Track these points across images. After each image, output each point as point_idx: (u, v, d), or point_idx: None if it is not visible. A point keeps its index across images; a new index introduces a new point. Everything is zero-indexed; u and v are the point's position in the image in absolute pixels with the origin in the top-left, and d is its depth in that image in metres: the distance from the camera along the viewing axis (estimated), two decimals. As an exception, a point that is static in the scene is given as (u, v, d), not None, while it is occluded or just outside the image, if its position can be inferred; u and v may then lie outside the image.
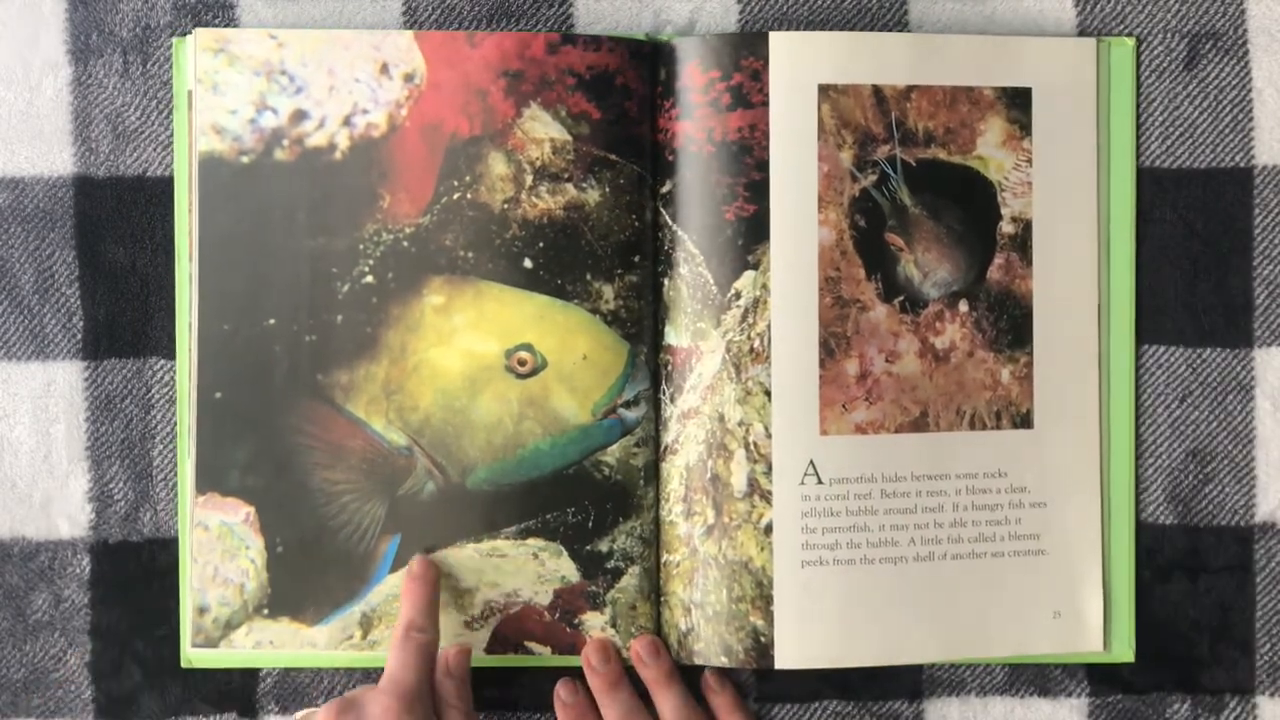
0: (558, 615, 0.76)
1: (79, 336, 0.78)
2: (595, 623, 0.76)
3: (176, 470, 0.78)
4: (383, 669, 0.71)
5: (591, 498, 0.75)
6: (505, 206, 0.75)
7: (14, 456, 0.78)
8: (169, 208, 0.78)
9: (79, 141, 0.78)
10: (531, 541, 0.75)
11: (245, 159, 0.75)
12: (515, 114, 0.75)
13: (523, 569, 0.75)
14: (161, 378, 0.78)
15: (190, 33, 0.76)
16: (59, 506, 0.78)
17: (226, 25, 0.77)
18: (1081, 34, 0.78)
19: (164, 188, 0.78)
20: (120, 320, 0.78)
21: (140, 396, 0.78)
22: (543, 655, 0.76)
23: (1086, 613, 0.77)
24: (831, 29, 0.78)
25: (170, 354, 0.78)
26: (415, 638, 0.72)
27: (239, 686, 0.78)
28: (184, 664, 0.77)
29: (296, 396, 0.75)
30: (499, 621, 0.76)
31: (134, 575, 0.78)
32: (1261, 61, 0.78)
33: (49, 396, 0.78)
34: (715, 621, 0.75)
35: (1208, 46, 0.78)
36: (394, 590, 0.75)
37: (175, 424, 0.78)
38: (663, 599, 0.76)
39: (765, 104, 0.75)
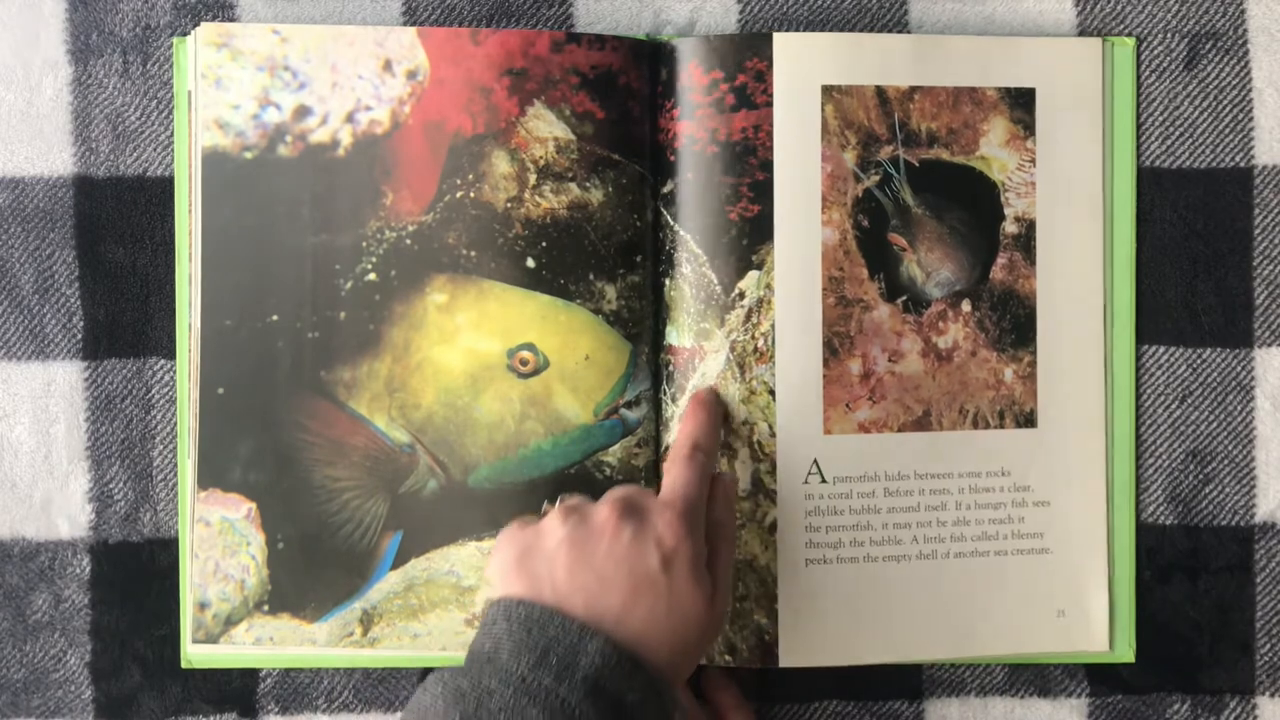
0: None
1: (79, 336, 0.78)
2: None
3: (177, 470, 0.77)
4: (383, 669, 0.71)
5: (593, 497, 0.75)
6: (508, 205, 0.75)
7: (14, 456, 0.78)
8: (169, 207, 0.77)
9: (79, 141, 0.78)
10: (534, 540, 0.75)
11: (248, 154, 0.74)
12: (519, 112, 0.75)
13: (525, 568, 0.75)
14: (161, 377, 0.78)
15: (190, 32, 0.76)
16: (59, 506, 0.78)
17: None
18: (1082, 34, 0.78)
19: (164, 187, 0.78)
20: (120, 320, 0.78)
21: (140, 396, 0.78)
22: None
23: (1091, 611, 0.77)
24: (831, 29, 0.78)
25: (170, 354, 0.78)
26: (699, 458, 0.70)
27: (239, 686, 0.78)
28: (184, 663, 0.77)
29: (299, 393, 0.75)
30: (501, 621, 0.76)
31: (134, 575, 0.78)
32: (1261, 61, 0.78)
33: (49, 396, 0.78)
34: (717, 621, 0.75)
35: (1208, 46, 0.78)
36: (395, 588, 0.75)
37: (175, 424, 0.78)
38: (664, 599, 0.76)
39: (769, 104, 0.75)
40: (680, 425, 0.74)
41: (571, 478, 0.75)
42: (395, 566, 0.75)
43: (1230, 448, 0.79)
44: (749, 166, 0.75)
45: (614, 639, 0.62)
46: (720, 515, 0.69)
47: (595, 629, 0.61)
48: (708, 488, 0.69)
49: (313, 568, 0.75)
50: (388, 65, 0.75)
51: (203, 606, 0.75)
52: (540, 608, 0.62)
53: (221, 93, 0.75)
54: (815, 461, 0.75)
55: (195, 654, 0.76)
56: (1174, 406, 0.79)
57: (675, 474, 0.69)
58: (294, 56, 0.75)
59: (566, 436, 0.75)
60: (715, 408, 0.74)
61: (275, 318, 0.75)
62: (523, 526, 0.66)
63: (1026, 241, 0.77)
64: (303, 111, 0.74)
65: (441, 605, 0.74)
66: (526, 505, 0.75)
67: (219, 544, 0.75)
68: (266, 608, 0.75)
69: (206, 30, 0.75)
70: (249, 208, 0.75)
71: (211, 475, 0.75)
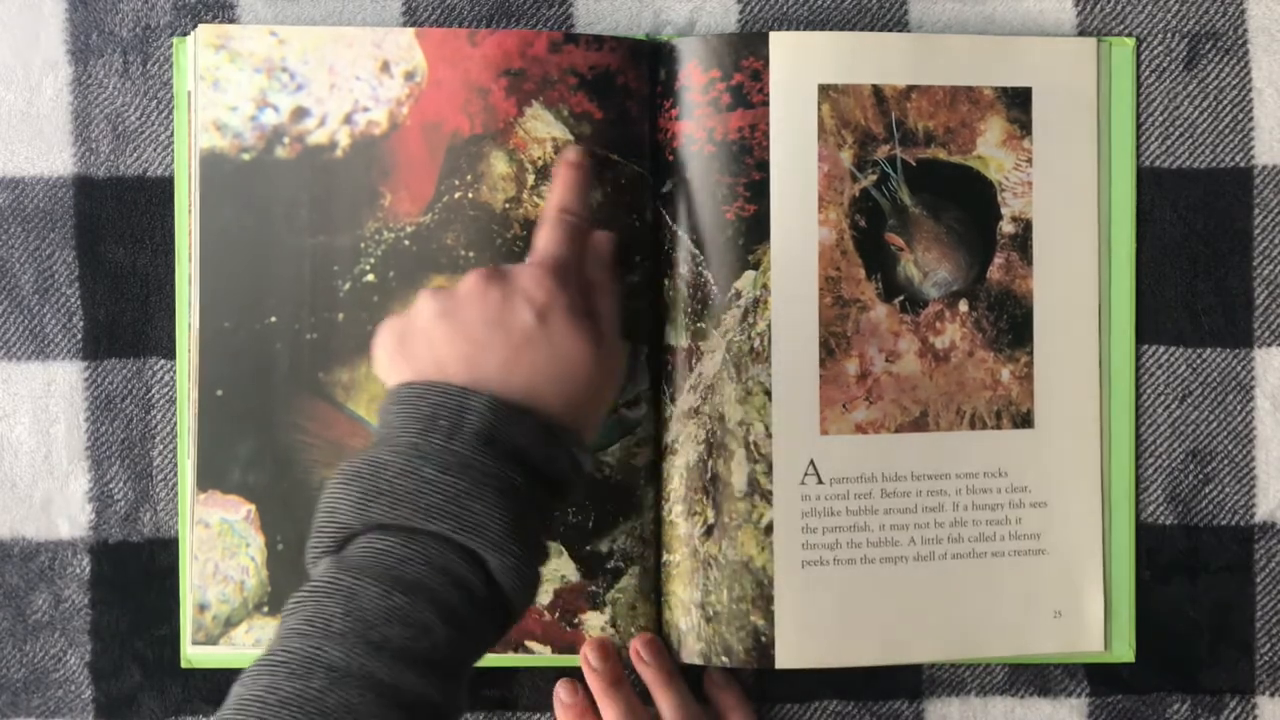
0: (558, 615, 0.76)
1: (79, 336, 0.78)
2: (595, 623, 0.76)
3: (176, 470, 0.78)
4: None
5: (592, 497, 0.75)
6: (507, 206, 0.75)
7: (14, 456, 0.78)
8: (169, 208, 0.78)
9: (79, 141, 0.78)
10: (532, 541, 0.75)
11: (246, 156, 0.75)
12: (517, 113, 0.75)
13: (523, 568, 0.75)
14: (161, 378, 0.78)
15: (190, 32, 0.76)
16: (59, 506, 0.78)
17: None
18: (1081, 34, 0.78)
19: (164, 188, 0.78)
20: (120, 320, 0.78)
21: (140, 396, 0.78)
22: (542, 654, 0.76)
23: (1087, 612, 0.77)
24: (831, 29, 0.78)
25: (170, 354, 0.78)
26: (567, 218, 0.70)
27: (239, 686, 0.78)
28: (184, 664, 0.77)
29: (298, 394, 0.75)
30: (499, 621, 0.76)
31: (134, 575, 0.78)
32: (1261, 61, 0.78)
33: (49, 396, 0.78)
34: (716, 621, 0.75)
35: (1208, 46, 0.78)
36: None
37: (175, 424, 0.78)
38: (663, 599, 0.76)
39: (765, 104, 0.75)
40: (549, 188, 0.73)
41: (570, 478, 0.75)
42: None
43: (1230, 447, 0.79)
44: (745, 166, 0.75)
45: (499, 395, 0.62)
46: (593, 272, 0.69)
47: (478, 389, 0.62)
48: (578, 248, 0.69)
49: (311, 568, 0.75)
50: (385, 66, 0.75)
51: (202, 608, 0.75)
52: (423, 384, 0.62)
53: (220, 94, 0.75)
54: (812, 462, 0.75)
55: (195, 654, 0.76)
56: (1174, 406, 0.79)
57: (540, 235, 0.69)
58: (292, 58, 0.75)
59: (565, 437, 0.75)
60: (586, 168, 0.73)
61: (274, 319, 0.75)
62: (395, 316, 0.67)
63: (1023, 241, 0.77)
64: (301, 113, 0.75)
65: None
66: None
67: (218, 546, 0.75)
68: (266, 609, 0.75)
69: (205, 32, 0.75)
70: (247, 209, 0.75)
71: (211, 476, 0.75)
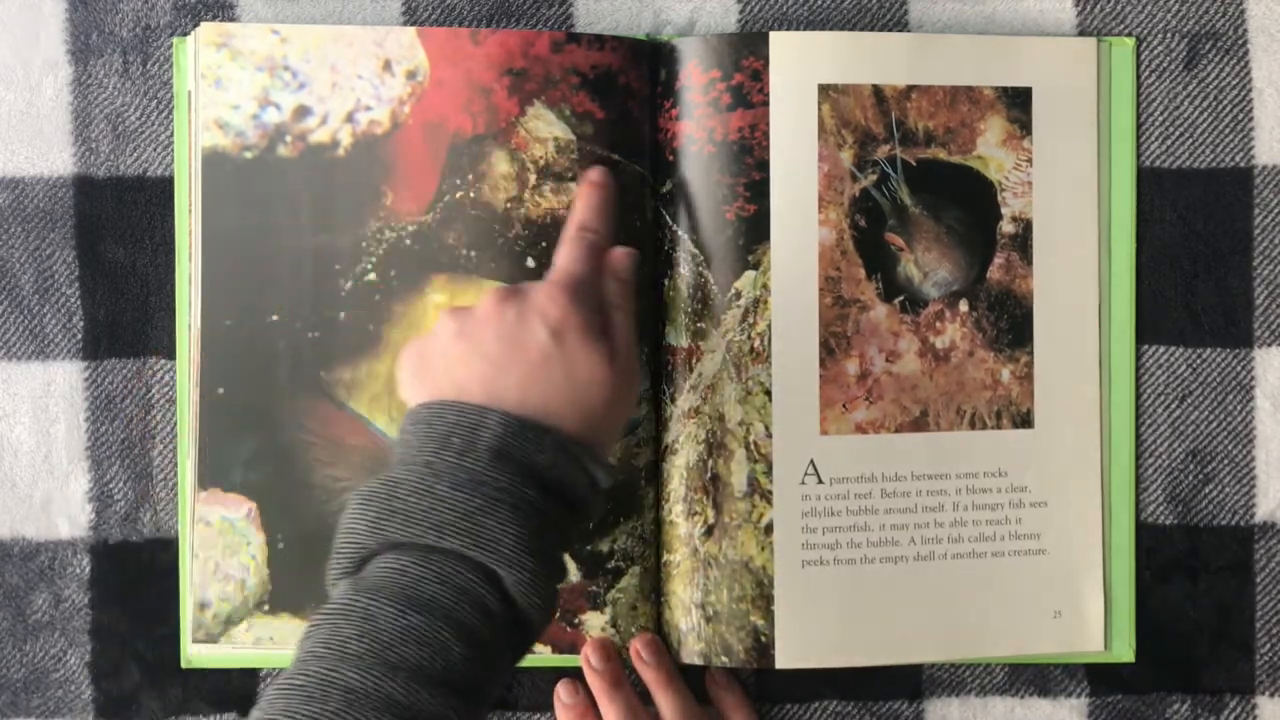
0: (558, 615, 0.75)
1: (79, 336, 0.78)
2: (596, 623, 0.76)
3: (177, 470, 0.78)
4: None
5: (593, 498, 0.75)
6: (508, 205, 0.75)
7: (14, 456, 0.78)
8: (169, 207, 0.78)
9: (79, 141, 0.78)
10: (532, 540, 0.75)
11: (248, 154, 0.75)
12: (519, 112, 0.75)
13: (524, 568, 0.75)
14: (161, 378, 0.78)
15: (190, 33, 0.76)
16: (59, 506, 0.78)
17: (228, 24, 0.78)
18: (1081, 34, 0.78)
19: (164, 187, 0.78)
20: (120, 320, 0.78)
21: (140, 396, 0.78)
22: (543, 655, 0.76)
23: (1087, 612, 0.77)
24: (831, 29, 0.78)
25: (170, 354, 0.78)
26: (587, 236, 0.70)
27: (239, 686, 0.78)
28: (184, 663, 0.77)
29: (299, 393, 0.75)
30: (500, 620, 0.76)
31: (134, 575, 0.78)
32: (1261, 61, 0.78)
33: (49, 396, 0.78)
34: (716, 621, 0.75)
35: (1208, 46, 0.78)
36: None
37: (175, 424, 0.78)
38: (663, 599, 0.76)
39: (765, 104, 0.75)
40: (572, 205, 0.74)
41: (570, 477, 0.75)
42: (394, 566, 0.75)
43: (1230, 447, 0.79)
44: (745, 166, 0.75)
45: (515, 413, 0.62)
46: (610, 288, 0.69)
47: (494, 407, 0.62)
48: (596, 265, 0.69)
49: (313, 568, 0.74)
50: (387, 65, 0.75)
51: (203, 606, 0.75)
52: (439, 402, 0.63)
53: (221, 93, 0.75)
54: (812, 462, 0.75)
55: (195, 654, 0.76)
56: (1174, 406, 0.79)
57: (560, 253, 0.69)
58: (294, 57, 0.75)
59: (565, 436, 0.75)
60: (608, 187, 0.73)
61: (275, 318, 0.75)
62: (416, 339, 0.67)
63: (1023, 241, 0.77)
64: (302, 111, 0.75)
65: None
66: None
67: (219, 544, 0.75)
68: (266, 607, 0.75)
69: (206, 30, 0.75)
70: (249, 208, 0.75)
71: (212, 475, 0.75)
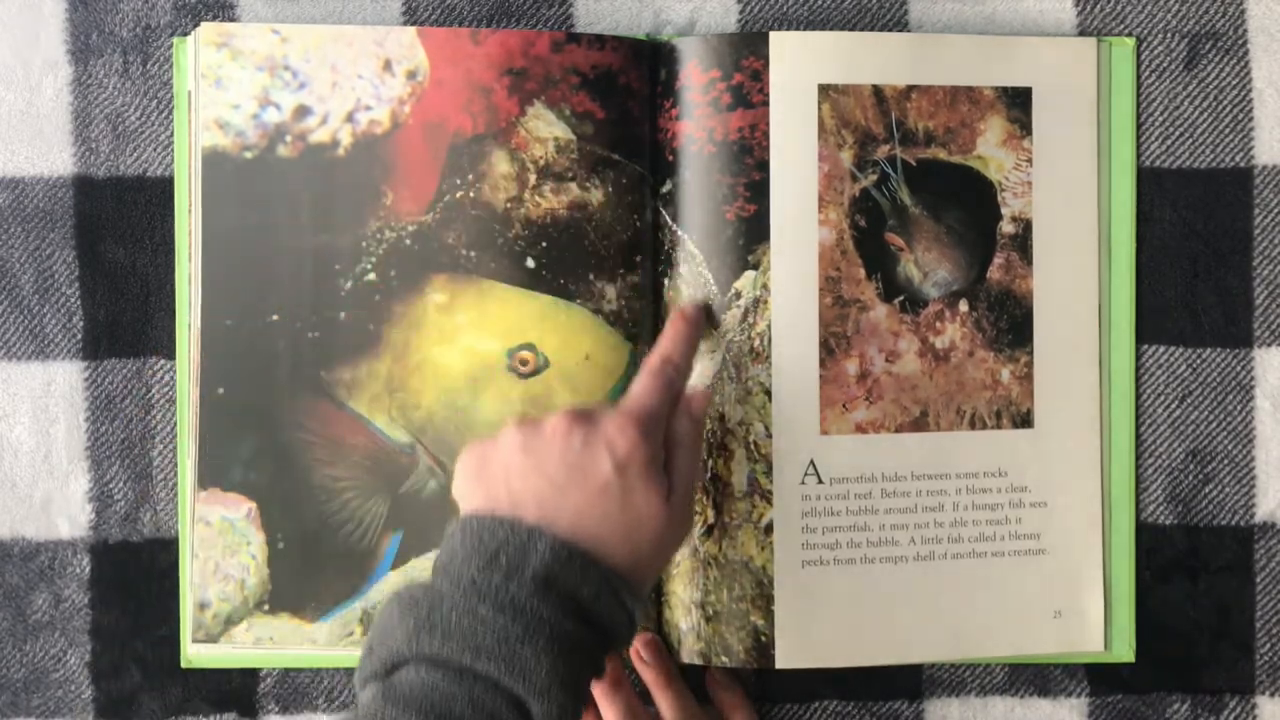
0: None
1: (79, 336, 0.78)
2: (596, 622, 0.76)
3: (177, 470, 0.77)
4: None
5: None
6: (508, 205, 0.75)
7: (14, 456, 0.78)
8: (169, 207, 0.78)
9: (79, 141, 0.78)
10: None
11: (248, 154, 0.75)
12: (519, 112, 0.75)
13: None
14: (161, 378, 0.78)
15: (190, 33, 0.76)
16: (59, 506, 0.78)
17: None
18: (1081, 34, 0.78)
19: (164, 187, 0.78)
20: (120, 320, 0.78)
21: (140, 396, 0.78)
22: (543, 654, 0.76)
23: (1087, 612, 0.77)
24: (831, 29, 0.78)
25: (170, 354, 0.78)
26: (668, 372, 0.69)
27: (239, 686, 0.78)
28: (184, 663, 0.77)
29: (299, 393, 0.75)
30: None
31: (134, 575, 0.78)
32: (1261, 61, 0.78)
33: (49, 396, 0.78)
34: (716, 621, 0.75)
35: (1208, 46, 0.78)
36: (395, 588, 0.74)
37: (175, 424, 0.78)
38: (663, 599, 0.76)
39: (765, 104, 0.75)
40: (659, 336, 0.73)
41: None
42: (395, 566, 0.75)
43: (1230, 447, 0.79)
44: (745, 166, 0.75)
45: (565, 539, 0.62)
46: (681, 426, 0.69)
47: (545, 530, 0.62)
48: (671, 399, 0.69)
49: (313, 567, 0.75)
50: (387, 65, 0.75)
51: (203, 606, 0.75)
52: (493, 516, 0.63)
53: (221, 93, 0.75)
54: (812, 462, 0.75)
55: (195, 654, 0.76)
56: (1174, 406, 0.79)
57: (638, 383, 0.69)
58: (294, 56, 0.75)
59: (566, 436, 0.75)
60: (698, 324, 0.73)
61: (275, 318, 0.75)
62: (481, 441, 0.67)
63: (1023, 241, 0.77)
64: (302, 111, 0.75)
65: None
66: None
67: (219, 544, 0.75)
68: (266, 607, 0.75)
69: (206, 30, 0.75)
70: (249, 208, 0.75)
71: (211, 475, 0.75)
